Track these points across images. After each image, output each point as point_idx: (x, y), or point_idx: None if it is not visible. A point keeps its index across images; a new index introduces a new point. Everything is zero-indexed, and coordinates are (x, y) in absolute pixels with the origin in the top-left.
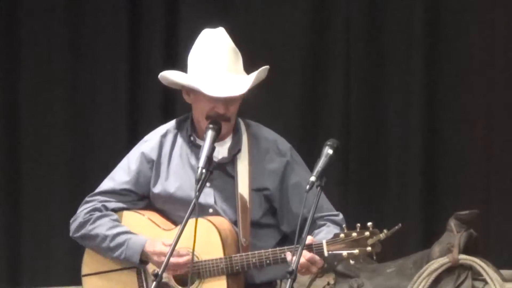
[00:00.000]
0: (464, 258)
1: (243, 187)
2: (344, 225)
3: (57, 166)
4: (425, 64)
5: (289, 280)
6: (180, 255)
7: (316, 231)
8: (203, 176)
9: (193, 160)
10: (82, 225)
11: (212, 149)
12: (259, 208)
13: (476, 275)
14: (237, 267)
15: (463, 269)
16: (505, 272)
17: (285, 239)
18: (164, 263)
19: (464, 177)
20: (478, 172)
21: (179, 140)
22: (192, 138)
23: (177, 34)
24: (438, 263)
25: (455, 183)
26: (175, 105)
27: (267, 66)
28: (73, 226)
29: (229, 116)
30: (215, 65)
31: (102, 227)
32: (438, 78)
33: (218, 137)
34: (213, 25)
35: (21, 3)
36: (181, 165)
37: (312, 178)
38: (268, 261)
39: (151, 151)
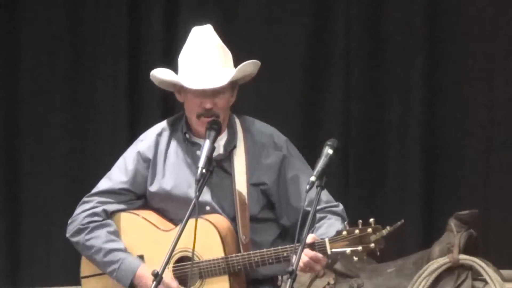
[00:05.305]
0: (464, 258)
1: (240, 183)
2: (344, 216)
3: (57, 166)
4: (426, 64)
5: (289, 280)
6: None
7: (316, 226)
8: (203, 176)
9: (189, 158)
10: (79, 231)
11: (212, 149)
12: (256, 203)
13: (476, 275)
14: (239, 267)
15: (463, 269)
16: (505, 272)
17: (285, 233)
18: (164, 262)
19: (464, 177)
20: (478, 172)
21: (174, 138)
22: (187, 136)
23: (177, 34)
24: (438, 263)
25: (455, 183)
26: (174, 104)
27: (255, 61)
28: (71, 228)
29: (218, 111)
30: (199, 60)
31: (98, 239)
32: (439, 78)
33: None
34: (214, 24)
35: (22, 3)
36: (177, 163)
37: (312, 178)
38: (270, 260)
39: (147, 150)
